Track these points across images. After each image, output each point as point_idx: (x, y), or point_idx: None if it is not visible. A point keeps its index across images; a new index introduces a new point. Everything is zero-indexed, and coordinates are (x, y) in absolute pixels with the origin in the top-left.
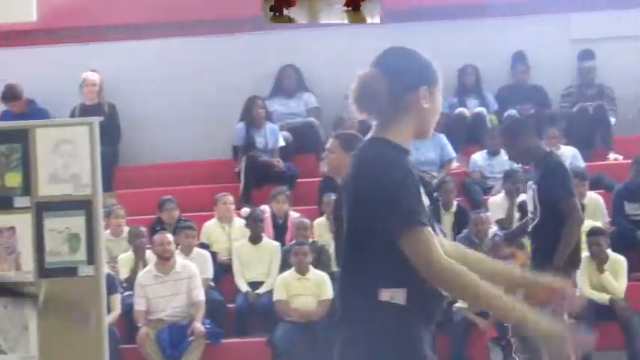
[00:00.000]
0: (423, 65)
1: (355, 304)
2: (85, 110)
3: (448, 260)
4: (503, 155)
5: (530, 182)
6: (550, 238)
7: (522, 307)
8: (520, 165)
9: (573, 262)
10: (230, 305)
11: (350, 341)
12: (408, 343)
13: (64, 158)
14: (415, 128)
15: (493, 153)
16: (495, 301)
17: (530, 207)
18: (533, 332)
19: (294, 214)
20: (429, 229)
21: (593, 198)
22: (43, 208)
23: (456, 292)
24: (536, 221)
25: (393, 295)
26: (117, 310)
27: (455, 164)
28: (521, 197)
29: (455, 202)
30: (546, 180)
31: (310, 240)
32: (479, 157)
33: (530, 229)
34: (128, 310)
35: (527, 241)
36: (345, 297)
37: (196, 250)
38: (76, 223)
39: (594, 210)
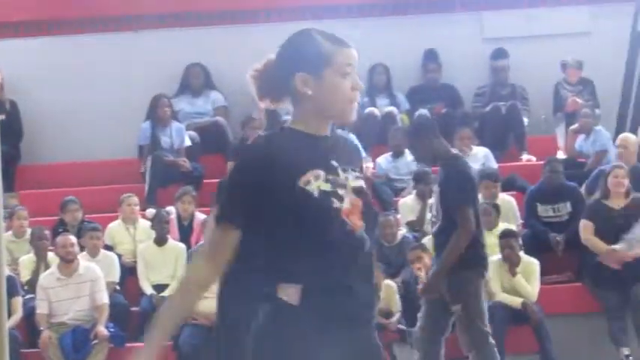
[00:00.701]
0: (306, 51)
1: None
2: None
3: (193, 276)
4: (408, 156)
5: (435, 185)
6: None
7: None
8: (428, 166)
9: (479, 264)
10: (134, 308)
11: (255, 337)
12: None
13: None
14: (319, 114)
15: (397, 154)
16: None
17: (433, 210)
18: None
19: (200, 216)
20: (224, 229)
21: (506, 199)
22: None
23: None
24: (437, 225)
25: (288, 293)
26: (18, 314)
27: (367, 164)
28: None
29: None
30: (447, 184)
31: None
32: (383, 160)
33: (433, 233)
34: (30, 313)
35: None
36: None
37: (103, 252)
38: None
39: (507, 212)
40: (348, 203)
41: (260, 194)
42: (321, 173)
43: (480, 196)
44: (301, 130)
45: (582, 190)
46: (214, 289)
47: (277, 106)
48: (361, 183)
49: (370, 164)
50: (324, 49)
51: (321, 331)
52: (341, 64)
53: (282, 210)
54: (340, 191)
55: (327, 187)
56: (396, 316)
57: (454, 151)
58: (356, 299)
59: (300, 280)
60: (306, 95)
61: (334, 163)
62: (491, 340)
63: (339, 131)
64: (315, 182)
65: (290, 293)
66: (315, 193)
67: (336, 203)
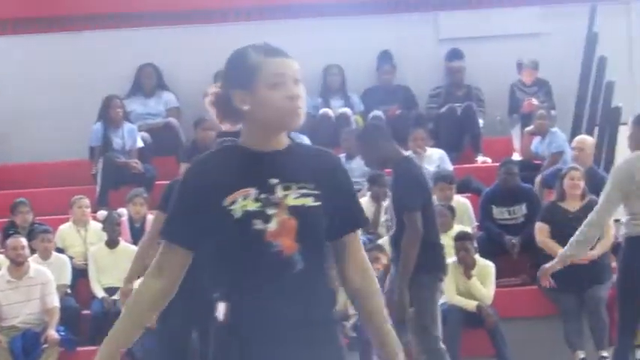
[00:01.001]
0: (237, 67)
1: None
2: None
3: (144, 292)
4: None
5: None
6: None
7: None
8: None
9: (437, 267)
10: (85, 312)
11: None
12: None
13: None
14: (258, 128)
15: (351, 156)
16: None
17: (388, 214)
18: None
19: (152, 218)
20: (169, 246)
21: (461, 201)
22: None
23: None
24: (392, 229)
25: (219, 310)
26: None
27: None
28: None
29: None
30: (397, 188)
31: None
32: None
33: (389, 237)
34: None
35: None
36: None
37: (55, 254)
38: None
39: (462, 214)
40: (275, 224)
41: (196, 212)
42: (252, 192)
43: (434, 198)
44: (245, 146)
45: (536, 183)
46: None
47: (236, 128)
48: (305, 201)
49: None
50: (252, 61)
51: (244, 352)
52: (268, 74)
53: (211, 229)
54: (270, 211)
55: (254, 206)
56: (353, 320)
57: (405, 153)
58: (281, 320)
59: (227, 299)
60: (244, 111)
61: (273, 180)
62: (442, 346)
63: (312, 146)
64: (242, 202)
65: (221, 311)
66: (238, 214)
67: (258, 225)
